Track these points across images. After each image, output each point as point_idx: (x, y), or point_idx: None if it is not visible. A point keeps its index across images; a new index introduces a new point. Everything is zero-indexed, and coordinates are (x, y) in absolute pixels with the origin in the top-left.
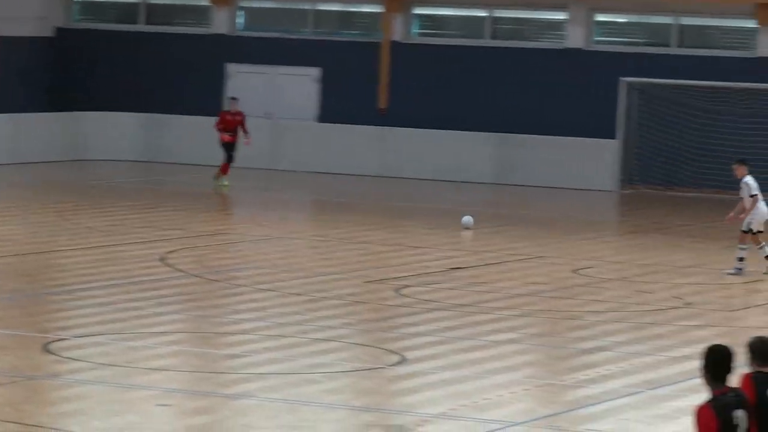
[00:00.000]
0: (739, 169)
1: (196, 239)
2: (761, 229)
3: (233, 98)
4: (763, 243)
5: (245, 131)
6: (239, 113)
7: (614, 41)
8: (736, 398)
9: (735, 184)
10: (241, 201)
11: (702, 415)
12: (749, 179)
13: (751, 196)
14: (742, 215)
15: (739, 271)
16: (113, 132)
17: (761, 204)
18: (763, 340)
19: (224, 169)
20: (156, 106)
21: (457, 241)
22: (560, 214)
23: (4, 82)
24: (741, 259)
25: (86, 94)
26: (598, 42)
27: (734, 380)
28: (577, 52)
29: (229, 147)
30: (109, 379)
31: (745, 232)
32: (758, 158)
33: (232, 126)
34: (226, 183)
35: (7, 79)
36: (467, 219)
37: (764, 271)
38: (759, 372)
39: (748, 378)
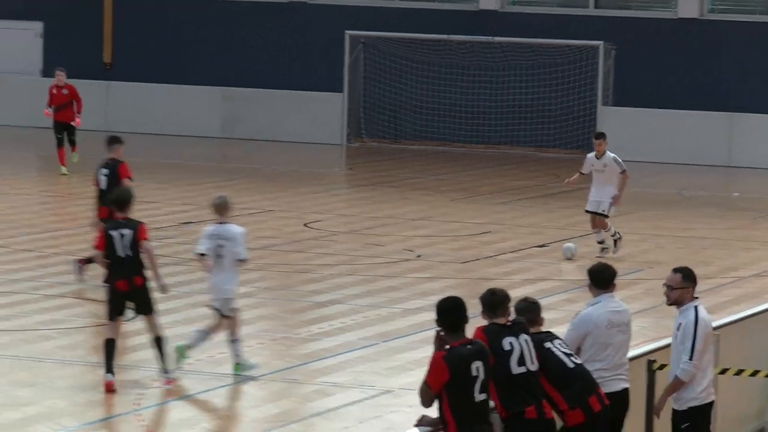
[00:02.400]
0: (603, 144)
1: None
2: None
3: (60, 70)
4: (601, 230)
5: (79, 109)
6: (68, 86)
7: None
8: (475, 350)
9: (459, 136)
10: None
11: (433, 366)
12: (614, 155)
13: (622, 172)
14: (617, 196)
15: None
16: None
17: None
18: (493, 292)
19: (60, 156)
20: None
21: (187, 196)
22: (288, 168)
23: None
24: (614, 234)
25: None
26: None
27: (470, 332)
28: (301, 5)
29: (59, 128)
30: None
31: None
32: (481, 110)
33: (60, 101)
34: (64, 172)
35: None
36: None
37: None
38: (492, 323)
39: (480, 330)
